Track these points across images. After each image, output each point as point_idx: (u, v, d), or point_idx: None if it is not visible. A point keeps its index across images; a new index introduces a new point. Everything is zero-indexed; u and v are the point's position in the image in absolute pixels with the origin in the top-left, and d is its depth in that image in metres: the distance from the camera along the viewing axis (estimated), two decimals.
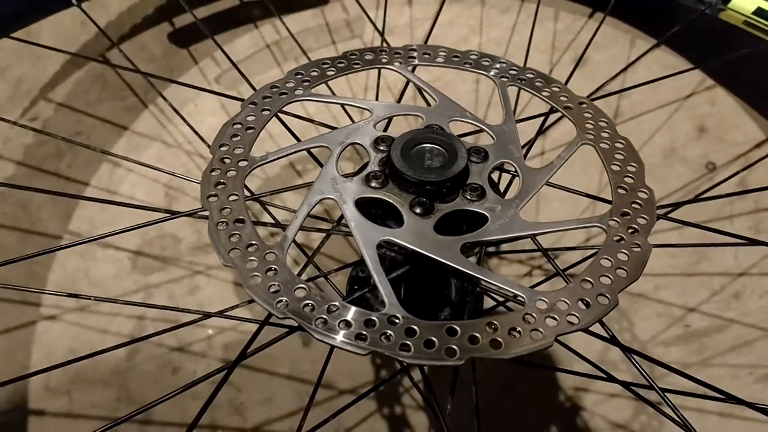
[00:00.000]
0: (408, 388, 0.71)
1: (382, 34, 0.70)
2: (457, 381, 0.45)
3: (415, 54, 0.55)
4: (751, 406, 0.41)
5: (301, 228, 0.43)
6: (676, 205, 0.60)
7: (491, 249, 0.76)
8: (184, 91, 0.77)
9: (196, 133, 0.62)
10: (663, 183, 0.79)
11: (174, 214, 0.48)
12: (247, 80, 0.62)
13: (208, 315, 0.52)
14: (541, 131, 0.57)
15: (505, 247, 0.76)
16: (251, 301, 0.49)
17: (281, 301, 0.38)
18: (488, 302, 0.57)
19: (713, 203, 0.78)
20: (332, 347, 0.48)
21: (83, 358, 0.44)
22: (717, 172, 0.80)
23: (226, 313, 0.50)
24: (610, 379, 0.48)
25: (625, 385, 0.46)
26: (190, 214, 0.47)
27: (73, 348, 0.73)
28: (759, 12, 0.69)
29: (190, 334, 0.74)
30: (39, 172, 0.77)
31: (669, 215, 0.56)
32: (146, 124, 0.80)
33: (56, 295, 0.73)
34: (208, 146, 0.58)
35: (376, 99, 0.68)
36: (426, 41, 0.69)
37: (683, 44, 0.83)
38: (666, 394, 0.43)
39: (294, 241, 0.42)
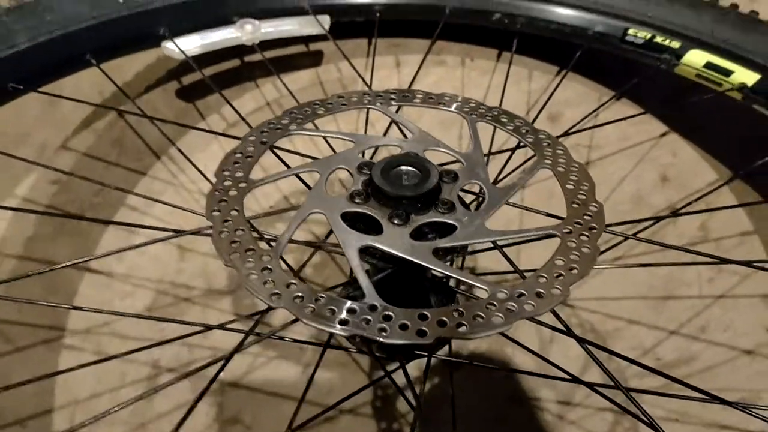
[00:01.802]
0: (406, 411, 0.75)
1: (369, 87, 0.78)
2: (429, 371, 0.50)
3: (395, 95, 0.63)
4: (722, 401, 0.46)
5: (295, 242, 0.49)
6: (650, 221, 0.66)
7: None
8: (191, 146, 0.84)
9: (204, 176, 0.68)
10: (632, 227, 0.85)
11: (179, 233, 0.54)
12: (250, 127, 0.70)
13: (208, 327, 0.57)
14: (509, 160, 0.63)
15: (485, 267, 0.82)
16: (249, 316, 0.55)
17: (275, 293, 0.44)
18: None
19: (677, 243, 0.83)
20: (320, 356, 0.54)
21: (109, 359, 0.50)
22: (678, 209, 0.86)
23: (226, 326, 0.55)
24: (575, 380, 0.52)
25: (589, 385, 0.51)
26: (196, 232, 0.53)
27: (95, 391, 0.78)
28: (709, 65, 0.77)
29: (206, 375, 0.78)
30: (63, 228, 0.83)
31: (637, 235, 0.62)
32: (161, 179, 0.87)
33: (61, 307, 0.78)
34: (207, 179, 0.65)
35: (365, 131, 0.75)
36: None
37: (647, 100, 0.90)
38: (635, 393, 0.47)
39: (282, 259, 0.48)
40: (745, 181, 0.84)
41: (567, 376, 0.53)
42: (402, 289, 0.55)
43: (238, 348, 0.47)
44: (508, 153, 0.66)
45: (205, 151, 0.87)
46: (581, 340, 0.48)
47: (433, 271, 0.46)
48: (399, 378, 0.66)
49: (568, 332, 0.48)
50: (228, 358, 0.47)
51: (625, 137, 0.90)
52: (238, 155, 0.55)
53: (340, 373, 0.78)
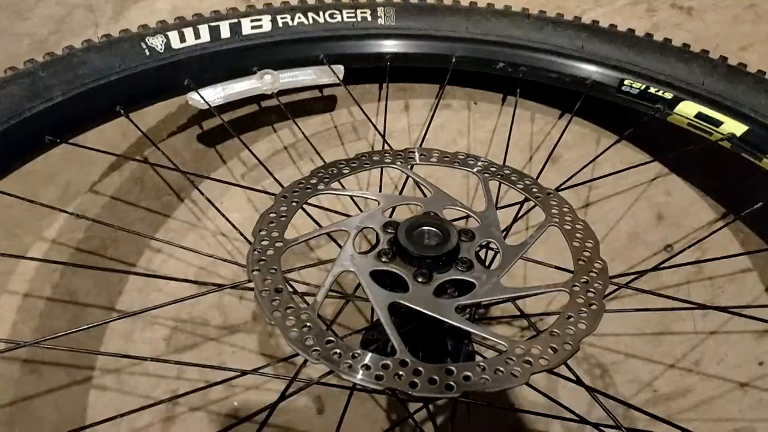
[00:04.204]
0: None
1: (383, 136, 0.83)
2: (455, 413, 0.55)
3: (413, 155, 0.68)
4: None
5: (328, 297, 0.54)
6: (640, 274, 0.71)
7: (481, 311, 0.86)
8: (211, 191, 0.89)
9: (228, 221, 0.73)
10: (628, 264, 0.90)
11: (220, 287, 0.59)
12: (273, 176, 0.75)
13: (243, 372, 0.62)
14: (518, 216, 0.69)
15: (497, 314, 0.87)
16: (280, 360, 0.60)
17: (315, 350, 0.49)
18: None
19: (672, 280, 0.89)
20: (346, 406, 0.59)
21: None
22: (674, 253, 0.91)
23: (260, 371, 0.60)
24: (582, 420, 0.57)
25: (595, 425, 0.56)
26: (235, 286, 0.58)
27: (115, 421, 0.81)
28: (699, 116, 0.83)
29: (219, 408, 0.82)
30: (86, 261, 0.87)
31: (630, 285, 0.68)
32: (180, 218, 0.91)
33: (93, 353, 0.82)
34: (241, 233, 0.70)
35: (380, 191, 0.80)
36: (421, 144, 0.81)
37: (641, 140, 0.96)
38: None
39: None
40: (742, 221, 0.90)
41: (575, 417, 0.58)
42: (422, 337, 0.60)
43: (284, 395, 0.52)
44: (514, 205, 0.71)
45: (225, 194, 0.92)
46: (590, 389, 0.53)
47: (458, 328, 0.51)
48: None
49: (578, 382, 0.53)
50: (275, 405, 0.51)
51: (621, 177, 0.95)
52: (272, 215, 0.60)
53: (364, 414, 0.83)
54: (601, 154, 0.83)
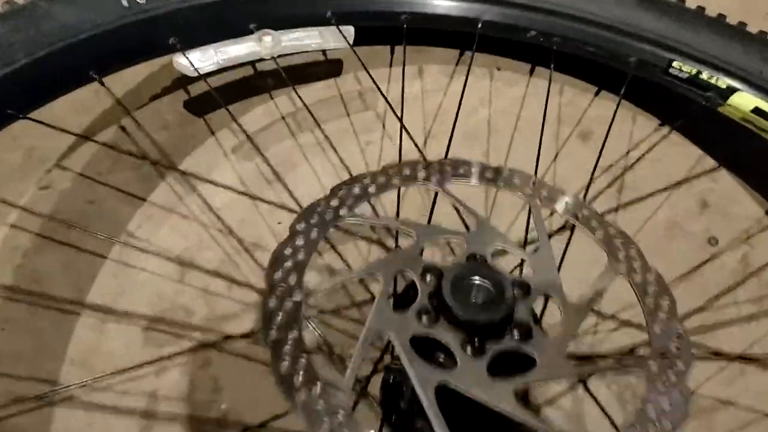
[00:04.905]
0: None
1: (401, 120, 0.72)
2: None
3: (450, 170, 0.57)
4: None
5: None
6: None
7: None
8: (199, 163, 0.79)
9: (217, 216, 0.63)
10: (666, 258, 0.80)
11: (228, 337, 0.49)
12: (261, 154, 0.65)
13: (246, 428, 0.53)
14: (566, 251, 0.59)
15: None
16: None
17: None
18: None
19: (717, 281, 0.80)
20: None
21: None
22: (719, 248, 0.83)
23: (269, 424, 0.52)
24: None
25: None
26: (246, 336, 0.48)
27: (89, 421, 0.73)
28: (757, 111, 0.73)
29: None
30: (51, 243, 0.76)
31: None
32: (159, 194, 0.80)
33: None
34: (223, 223, 0.60)
35: (397, 215, 0.68)
36: (446, 154, 0.70)
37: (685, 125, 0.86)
38: None
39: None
40: None
41: None
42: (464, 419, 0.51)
43: None
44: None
45: (216, 167, 0.80)
46: None
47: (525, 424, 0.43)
48: None
49: None
50: None
51: (660, 159, 0.86)
52: (288, 251, 0.50)
53: None
54: (649, 150, 0.74)
